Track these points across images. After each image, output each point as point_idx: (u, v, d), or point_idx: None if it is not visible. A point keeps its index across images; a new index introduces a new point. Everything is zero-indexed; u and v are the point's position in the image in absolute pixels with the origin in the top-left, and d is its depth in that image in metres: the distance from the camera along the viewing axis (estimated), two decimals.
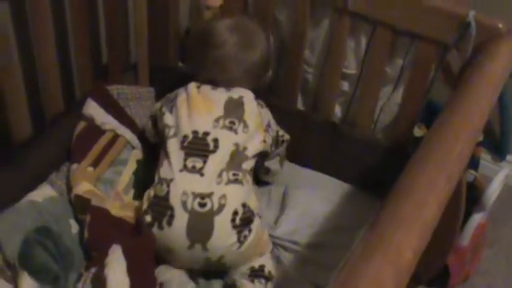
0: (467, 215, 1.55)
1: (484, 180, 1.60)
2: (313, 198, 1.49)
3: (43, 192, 1.36)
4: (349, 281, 0.68)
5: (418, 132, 1.57)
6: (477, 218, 1.57)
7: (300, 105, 1.62)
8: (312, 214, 1.45)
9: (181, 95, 1.35)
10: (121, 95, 1.56)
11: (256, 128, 1.34)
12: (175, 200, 1.21)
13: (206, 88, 1.36)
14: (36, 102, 1.47)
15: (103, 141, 1.45)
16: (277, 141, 1.44)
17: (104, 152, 1.43)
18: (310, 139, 1.57)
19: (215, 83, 1.37)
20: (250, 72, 1.39)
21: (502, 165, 2.05)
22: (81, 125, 1.47)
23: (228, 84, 1.37)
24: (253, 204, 1.27)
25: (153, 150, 1.42)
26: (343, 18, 1.41)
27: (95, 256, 1.25)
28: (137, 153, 1.47)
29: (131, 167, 1.44)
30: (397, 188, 0.85)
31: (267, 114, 1.41)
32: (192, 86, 1.36)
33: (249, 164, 1.30)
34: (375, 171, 1.50)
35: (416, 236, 0.76)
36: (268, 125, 1.39)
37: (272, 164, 1.48)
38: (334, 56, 1.48)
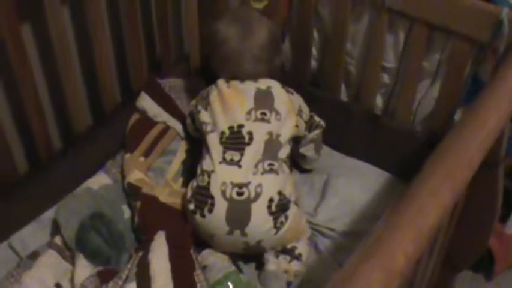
0: None
1: None
2: (354, 186, 1.55)
3: (99, 180, 1.49)
4: (340, 284, 0.74)
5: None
6: None
7: (343, 97, 1.68)
8: (351, 202, 1.51)
9: (213, 92, 1.43)
10: (173, 87, 1.65)
11: (288, 113, 1.41)
12: (215, 190, 1.31)
13: (235, 82, 1.42)
14: (95, 95, 1.59)
15: (154, 132, 1.55)
16: (311, 126, 1.50)
17: (155, 142, 1.54)
18: (352, 129, 1.63)
19: (237, 78, 1.43)
20: (261, 58, 1.43)
21: None
22: (135, 116, 1.58)
23: (247, 77, 1.42)
24: (289, 192, 1.35)
25: (201, 141, 1.51)
26: (382, 15, 1.45)
27: (143, 240, 1.36)
28: (186, 144, 1.57)
29: (180, 156, 1.54)
30: (404, 194, 0.90)
31: (297, 100, 1.47)
32: (221, 81, 1.43)
33: (284, 152, 1.38)
34: (414, 161, 1.53)
35: (410, 241, 0.81)
36: (300, 110, 1.45)
37: (307, 150, 1.54)
38: (374, 50, 1.52)
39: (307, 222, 1.44)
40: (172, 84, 1.65)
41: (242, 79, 1.43)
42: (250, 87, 1.42)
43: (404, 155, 1.56)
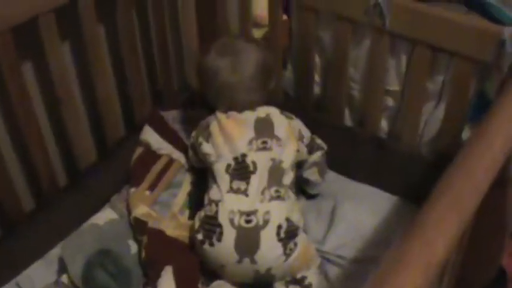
0: None
1: None
2: (361, 211, 1.53)
3: (104, 215, 1.48)
4: None
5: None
6: None
7: (347, 121, 1.67)
8: (360, 228, 1.49)
9: (213, 123, 1.43)
10: (176, 119, 1.64)
11: (288, 138, 1.41)
12: (223, 218, 1.30)
13: (234, 113, 1.42)
14: (98, 130, 1.59)
15: (159, 165, 1.54)
16: (312, 148, 1.50)
17: (160, 176, 1.53)
18: (357, 153, 1.62)
19: (234, 109, 1.42)
20: (254, 88, 1.42)
21: None
22: (139, 150, 1.58)
23: (244, 107, 1.42)
24: (296, 218, 1.34)
25: (205, 171, 1.50)
26: (383, 38, 1.44)
27: (151, 275, 1.35)
28: (191, 176, 1.56)
29: (186, 188, 1.52)
30: (411, 224, 0.89)
31: (297, 124, 1.47)
32: (220, 112, 1.43)
33: (288, 178, 1.37)
34: (421, 183, 1.52)
35: (420, 274, 0.80)
36: (301, 134, 1.46)
37: (311, 174, 1.53)
38: (376, 74, 1.51)
39: (316, 250, 1.42)
40: (176, 116, 1.65)
41: (239, 110, 1.42)
42: (249, 117, 1.42)
43: (411, 178, 1.55)
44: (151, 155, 1.57)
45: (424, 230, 0.86)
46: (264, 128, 1.41)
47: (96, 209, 1.52)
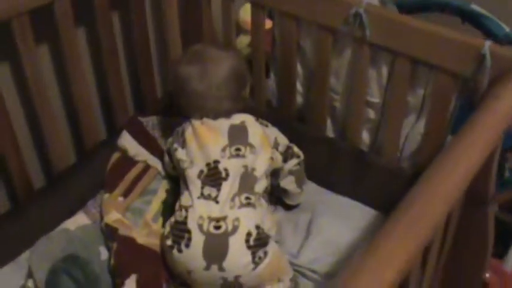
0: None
1: None
2: (339, 225, 1.50)
3: (77, 221, 1.47)
4: None
5: None
6: None
7: (330, 132, 1.64)
8: (336, 242, 1.46)
9: (188, 130, 1.41)
10: (156, 125, 1.63)
11: (262, 146, 1.39)
12: (192, 224, 1.28)
13: (208, 120, 1.41)
14: (77, 133, 1.58)
15: (134, 172, 1.53)
16: (287, 156, 1.47)
17: (135, 182, 1.51)
18: (338, 165, 1.59)
19: (207, 116, 1.41)
20: (224, 96, 1.41)
21: None
22: (115, 156, 1.56)
23: (217, 115, 1.41)
24: (267, 227, 1.32)
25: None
26: (363, 48, 1.42)
27: (117, 282, 1.33)
28: (167, 183, 1.54)
29: (160, 196, 1.50)
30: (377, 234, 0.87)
31: (273, 132, 1.45)
32: (195, 119, 1.42)
33: (260, 186, 1.35)
34: (400, 198, 1.49)
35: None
36: (276, 142, 1.44)
37: (287, 184, 1.51)
38: (357, 85, 1.49)
39: (289, 263, 1.39)
40: (156, 122, 1.63)
41: (213, 117, 1.41)
42: (223, 124, 1.40)
43: (391, 192, 1.50)
44: (128, 161, 1.55)
45: (389, 238, 0.86)
46: (237, 136, 1.39)
47: (70, 213, 1.50)
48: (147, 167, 1.55)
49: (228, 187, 1.32)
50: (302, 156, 1.51)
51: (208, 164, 1.35)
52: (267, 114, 1.54)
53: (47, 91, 1.45)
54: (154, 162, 1.56)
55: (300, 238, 1.50)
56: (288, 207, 1.58)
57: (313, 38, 1.51)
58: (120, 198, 1.48)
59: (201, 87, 1.40)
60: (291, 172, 1.49)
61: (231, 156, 1.36)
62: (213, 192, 1.32)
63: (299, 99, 1.65)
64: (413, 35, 1.34)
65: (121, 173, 1.52)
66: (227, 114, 1.42)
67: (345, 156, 1.58)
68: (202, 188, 1.33)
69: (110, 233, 1.41)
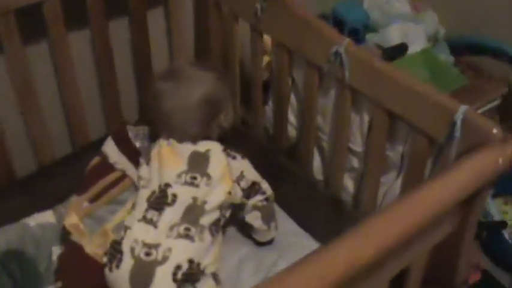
0: None
1: None
2: None
3: (41, 217, 1.48)
4: None
5: None
6: None
7: (318, 174, 1.55)
8: None
9: (155, 149, 1.38)
10: (142, 135, 1.60)
11: (221, 178, 1.33)
12: (126, 246, 1.26)
13: (175, 142, 1.37)
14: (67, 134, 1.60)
15: (109, 179, 1.52)
16: (250, 192, 1.38)
17: (106, 189, 1.51)
18: (318, 211, 1.50)
19: (173, 138, 1.37)
20: (191, 120, 1.36)
21: None
22: (95, 160, 1.56)
23: (181, 138, 1.36)
24: (206, 263, 1.26)
25: None
26: (344, 91, 1.32)
27: (57, 286, 1.34)
28: None
29: (128, 208, 1.47)
30: None
31: (241, 166, 1.38)
32: (163, 139, 1.38)
33: (208, 219, 1.30)
34: None
35: None
36: (241, 176, 1.36)
37: (252, 219, 1.43)
38: (340, 128, 1.39)
39: None
40: (143, 133, 1.60)
41: (179, 140, 1.36)
42: (186, 149, 1.36)
43: None
44: (106, 167, 1.55)
45: None
46: (197, 164, 1.34)
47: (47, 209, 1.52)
48: (123, 176, 1.54)
49: (171, 214, 1.28)
50: (270, 193, 1.42)
51: (159, 186, 1.32)
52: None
53: (37, 92, 1.48)
54: (132, 173, 1.54)
55: (260, 277, 1.42)
56: (259, 243, 1.50)
57: (303, 72, 1.42)
58: (86, 203, 1.48)
59: (168, 106, 1.36)
60: (256, 207, 1.41)
61: (185, 183, 1.31)
62: (155, 216, 1.28)
63: (292, 132, 1.56)
64: (391, 87, 1.22)
65: (96, 177, 1.52)
66: (193, 139, 1.37)
67: (324, 203, 1.49)
68: (146, 210, 1.30)
69: (63, 236, 1.42)
